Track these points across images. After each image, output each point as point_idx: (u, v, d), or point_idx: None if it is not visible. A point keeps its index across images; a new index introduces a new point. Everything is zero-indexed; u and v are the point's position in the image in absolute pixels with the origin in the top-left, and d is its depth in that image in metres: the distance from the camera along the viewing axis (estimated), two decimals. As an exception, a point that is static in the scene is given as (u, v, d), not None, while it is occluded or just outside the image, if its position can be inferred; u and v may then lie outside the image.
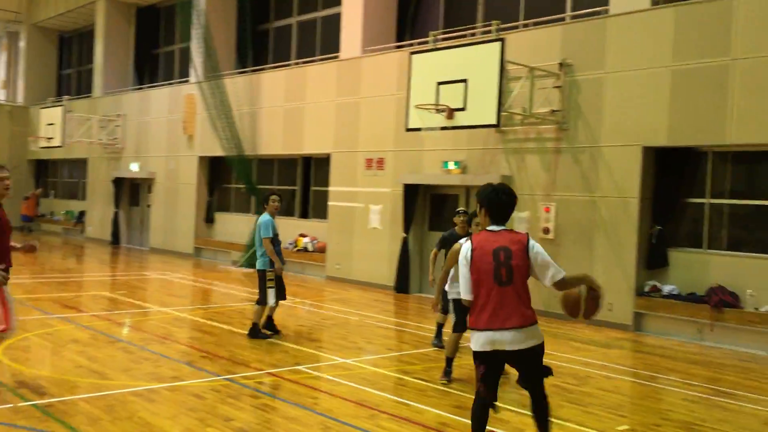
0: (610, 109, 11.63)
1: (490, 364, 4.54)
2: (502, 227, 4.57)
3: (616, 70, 11.57)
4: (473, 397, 4.75)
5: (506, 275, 4.42)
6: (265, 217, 9.40)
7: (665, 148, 11.24)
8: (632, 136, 11.33)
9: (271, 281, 9.24)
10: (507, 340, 4.45)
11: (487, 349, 4.47)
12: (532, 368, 4.63)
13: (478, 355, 4.56)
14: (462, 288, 4.57)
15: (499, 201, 4.56)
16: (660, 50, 11.08)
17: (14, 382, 6.65)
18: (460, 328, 7.49)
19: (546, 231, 12.29)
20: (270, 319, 9.54)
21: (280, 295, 9.42)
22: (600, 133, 11.72)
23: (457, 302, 7.56)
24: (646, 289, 11.23)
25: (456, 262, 7.43)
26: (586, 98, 11.89)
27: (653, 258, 11.32)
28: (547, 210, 12.30)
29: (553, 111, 12.11)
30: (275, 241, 9.32)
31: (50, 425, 5.50)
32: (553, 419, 6.14)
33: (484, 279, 4.44)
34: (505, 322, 4.43)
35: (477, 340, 4.52)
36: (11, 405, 5.95)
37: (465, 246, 4.54)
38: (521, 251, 4.46)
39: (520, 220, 12.65)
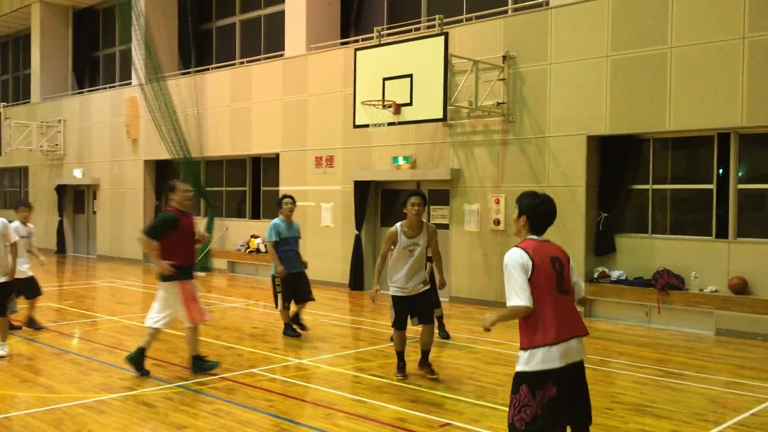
0: (554, 99, 11.80)
1: (562, 383, 3.99)
2: (544, 238, 4.22)
3: (558, 61, 11.75)
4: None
5: (566, 285, 4.14)
6: (274, 220, 9.63)
7: (608, 137, 11.46)
8: (576, 126, 11.53)
9: (278, 286, 9.44)
10: (576, 349, 4.08)
11: (561, 364, 3.97)
12: (584, 385, 4.20)
13: (548, 375, 3.95)
14: (517, 293, 3.99)
15: (545, 212, 4.18)
16: (599, 40, 11.29)
17: (-45, 401, 6.41)
18: (399, 325, 7.31)
19: (497, 222, 12.41)
20: (294, 318, 9.72)
21: (301, 296, 9.58)
22: (545, 123, 11.88)
23: (396, 299, 7.29)
24: (595, 275, 11.45)
25: (391, 244, 7.14)
26: (531, 90, 12.04)
27: (601, 244, 11.55)
28: (497, 201, 12.43)
29: (499, 103, 12.23)
30: (287, 243, 9.44)
31: (-6, 444, 5.32)
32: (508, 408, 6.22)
33: (547, 289, 4.03)
34: (573, 330, 4.09)
35: (546, 357, 3.96)
36: (-48, 425, 5.74)
37: (518, 253, 4.05)
38: (568, 263, 4.24)
39: (470, 212, 12.76)
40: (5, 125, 22.75)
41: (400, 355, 7.46)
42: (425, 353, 7.49)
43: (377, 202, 14.95)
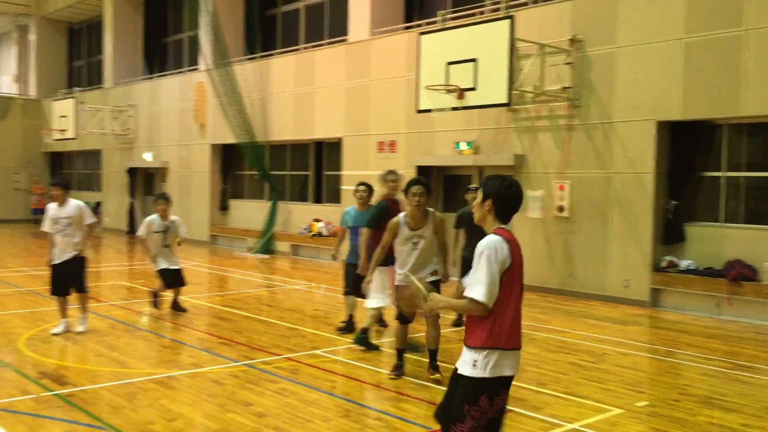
0: (622, 84, 11.50)
1: (505, 393, 3.71)
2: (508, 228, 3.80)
3: (627, 44, 11.44)
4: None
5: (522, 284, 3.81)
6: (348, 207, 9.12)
7: (679, 122, 11.12)
8: (646, 111, 11.22)
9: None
10: (518, 361, 3.73)
11: (512, 373, 3.67)
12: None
13: (502, 383, 3.64)
14: (482, 287, 3.53)
15: (515, 196, 3.77)
16: (672, 22, 10.94)
17: (36, 373, 6.74)
18: (402, 318, 6.88)
19: (561, 209, 12.23)
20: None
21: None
22: (613, 108, 11.61)
23: (398, 288, 6.78)
24: (663, 264, 11.17)
25: (394, 235, 6.64)
26: (598, 74, 11.78)
27: (670, 233, 11.25)
28: (561, 188, 12.24)
29: (565, 88, 12.00)
30: (354, 232, 8.57)
31: (73, 414, 5.58)
32: (571, 396, 6.16)
33: (516, 288, 3.66)
34: (520, 339, 3.75)
35: (503, 361, 3.60)
36: (34, 395, 6.04)
37: (500, 243, 3.61)
38: None
39: (534, 199, 12.60)
40: (80, 110, 23.59)
41: (400, 353, 6.88)
42: (433, 353, 6.85)
43: (439, 188, 14.92)
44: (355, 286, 8.50)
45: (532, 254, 12.67)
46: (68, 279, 8.45)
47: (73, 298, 8.61)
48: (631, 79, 11.39)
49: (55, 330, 8.45)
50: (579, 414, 5.75)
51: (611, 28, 11.62)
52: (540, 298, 11.74)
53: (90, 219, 8.51)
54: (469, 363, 3.60)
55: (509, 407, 5.90)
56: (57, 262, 8.39)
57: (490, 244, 3.61)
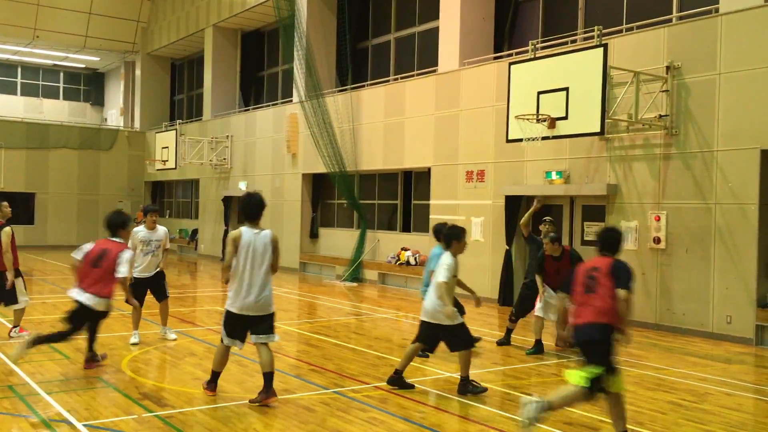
0: (723, 111, 11.08)
1: None
2: None
3: (729, 70, 11.03)
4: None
5: None
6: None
7: (786, 151, 10.59)
8: (749, 140, 10.75)
9: None
10: None
11: None
12: None
13: None
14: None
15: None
16: (777, 47, 10.48)
17: (138, 394, 7.04)
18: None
19: (656, 240, 11.82)
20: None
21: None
22: (713, 137, 11.19)
23: None
24: (769, 300, 10.59)
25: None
26: (697, 101, 11.39)
27: (776, 267, 10.67)
28: (658, 219, 11.84)
29: (661, 116, 11.67)
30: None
31: (172, 435, 5.79)
32: (670, 438, 5.89)
33: None
34: None
35: None
36: (136, 416, 6.30)
37: None
38: None
39: (627, 229, 12.24)
40: (180, 141, 24.72)
41: None
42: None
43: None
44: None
45: (627, 287, 12.25)
46: (152, 289, 9.53)
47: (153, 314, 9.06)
48: (733, 107, 10.96)
49: (133, 340, 9.38)
50: (679, 456, 5.49)
51: (711, 54, 11.24)
52: (636, 333, 11.32)
53: (168, 243, 9.69)
54: None
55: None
56: (141, 276, 9.33)
57: None
